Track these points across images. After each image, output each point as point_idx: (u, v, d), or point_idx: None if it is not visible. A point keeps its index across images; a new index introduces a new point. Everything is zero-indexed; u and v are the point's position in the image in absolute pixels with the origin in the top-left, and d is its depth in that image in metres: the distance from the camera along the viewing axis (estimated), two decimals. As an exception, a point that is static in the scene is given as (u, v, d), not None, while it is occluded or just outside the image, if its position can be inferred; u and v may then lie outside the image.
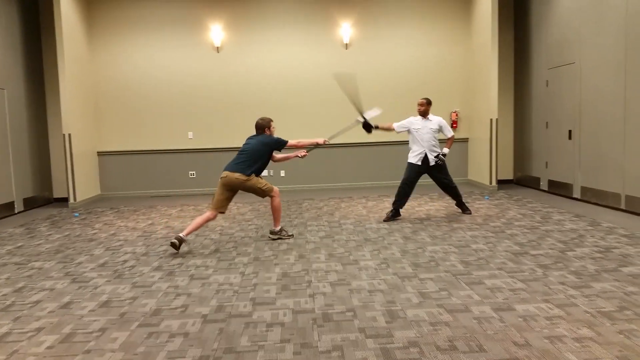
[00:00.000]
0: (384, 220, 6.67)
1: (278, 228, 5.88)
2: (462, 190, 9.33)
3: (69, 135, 8.91)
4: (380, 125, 6.68)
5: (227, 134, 10.01)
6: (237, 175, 5.45)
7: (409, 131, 6.77)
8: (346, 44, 10.20)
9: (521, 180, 10.06)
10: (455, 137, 10.33)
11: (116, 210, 8.49)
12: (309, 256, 5.04)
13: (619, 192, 6.93)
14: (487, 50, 9.29)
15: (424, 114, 6.72)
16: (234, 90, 10.13)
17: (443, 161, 6.72)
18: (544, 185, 9.08)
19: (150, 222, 7.26)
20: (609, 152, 7.10)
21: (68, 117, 8.89)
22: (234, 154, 5.76)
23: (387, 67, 10.28)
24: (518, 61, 10.07)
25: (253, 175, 5.55)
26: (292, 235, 6.01)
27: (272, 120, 5.83)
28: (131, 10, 10.01)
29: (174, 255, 5.22)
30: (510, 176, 10.41)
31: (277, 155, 5.92)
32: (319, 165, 10.36)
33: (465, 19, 10.28)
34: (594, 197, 7.49)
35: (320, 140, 6.02)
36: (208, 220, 5.50)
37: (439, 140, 6.78)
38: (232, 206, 8.29)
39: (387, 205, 7.91)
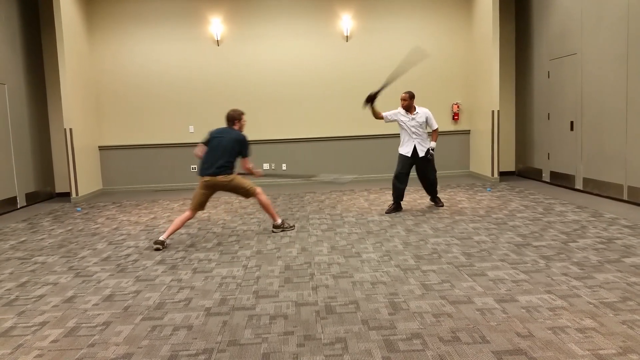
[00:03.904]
0: (386, 212, 6.69)
1: (279, 221, 5.91)
2: (464, 182, 9.36)
3: (70, 129, 8.91)
4: (376, 108, 6.53)
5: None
6: (221, 177, 5.42)
7: (398, 122, 6.73)
8: (347, 36, 10.16)
9: (523, 172, 10.05)
10: (457, 129, 10.41)
11: (118, 204, 8.50)
12: (311, 249, 5.04)
13: (621, 183, 6.92)
14: (488, 41, 9.26)
15: (408, 108, 6.61)
16: (235, 83, 10.11)
17: (432, 156, 6.73)
18: (546, 176, 9.07)
19: (152, 216, 7.27)
20: (611, 143, 7.08)
21: (69, 111, 8.88)
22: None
23: (388, 58, 10.19)
24: (519, 52, 10.03)
25: (235, 173, 5.56)
26: (294, 226, 6.05)
27: (243, 114, 5.75)
28: (131, 4, 9.98)
29: (177, 249, 5.23)
30: (512, 168, 10.39)
31: (251, 166, 5.70)
32: (321, 158, 10.35)
33: (466, 10, 10.23)
34: (596, 188, 7.48)
35: (259, 173, 5.88)
36: (187, 219, 5.52)
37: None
38: (234, 200, 8.30)
39: (389, 197, 7.89)
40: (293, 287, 3.91)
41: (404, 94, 6.62)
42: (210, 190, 5.55)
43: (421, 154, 6.66)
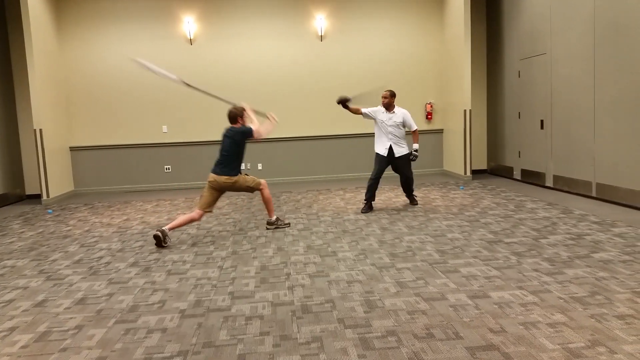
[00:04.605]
0: (362, 212, 6.73)
1: (274, 218, 5.98)
2: (437, 180, 9.47)
3: (40, 130, 8.71)
4: (351, 106, 6.62)
5: (202, 128, 9.91)
6: (224, 178, 5.51)
7: (375, 121, 6.80)
8: (321, 36, 10.17)
9: (495, 170, 10.21)
10: (430, 128, 10.52)
11: (90, 206, 8.35)
12: (287, 249, 5.04)
13: (590, 180, 7.09)
14: (460, 41, 9.37)
15: (388, 106, 6.73)
16: (208, 82, 9.98)
17: (416, 157, 6.83)
18: (517, 174, 9.23)
19: (125, 217, 7.17)
20: (580, 141, 7.24)
21: (39, 112, 8.69)
22: (209, 148, 5.79)
23: (362, 58, 10.29)
24: (491, 52, 10.19)
25: (239, 174, 5.63)
26: (289, 224, 6.12)
27: (245, 109, 5.75)
28: (101, 2, 9.80)
29: (151, 251, 5.17)
30: (484, 166, 10.55)
31: (259, 132, 5.66)
32: (297, 158, 10.35)
33: (438, 10, 10.34)
34: (566, 186, 7.65)
35: (273, 118, 5.89)
36: (192, 220, 5.52)
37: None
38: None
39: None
40: (269, 287, 3.90)
41: (385, 92, 6.75)
42: (216, 191, 5.59)
43: (397, 154, 6.74)
